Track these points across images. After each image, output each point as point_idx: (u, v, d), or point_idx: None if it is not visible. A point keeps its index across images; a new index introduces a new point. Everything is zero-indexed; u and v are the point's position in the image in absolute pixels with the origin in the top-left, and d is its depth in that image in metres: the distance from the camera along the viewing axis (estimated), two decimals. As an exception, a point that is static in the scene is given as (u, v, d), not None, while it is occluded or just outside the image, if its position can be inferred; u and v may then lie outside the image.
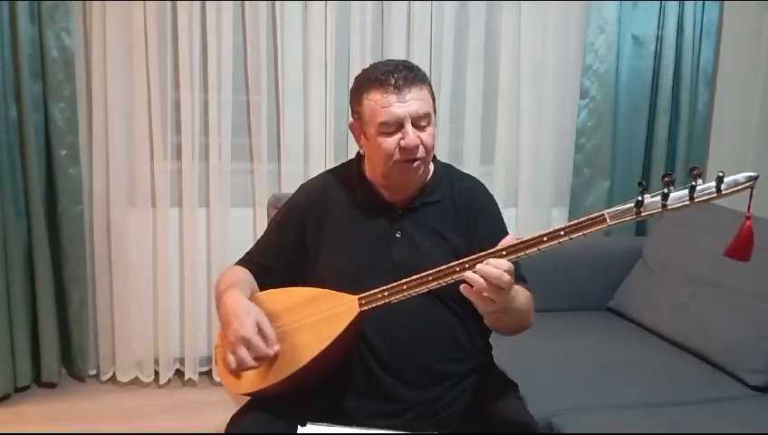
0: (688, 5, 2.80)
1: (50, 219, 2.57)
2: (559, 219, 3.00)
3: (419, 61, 2.69)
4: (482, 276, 1.20)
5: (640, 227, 2.93)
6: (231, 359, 1.33)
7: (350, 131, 1.55)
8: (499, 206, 1.62)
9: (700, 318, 2.07)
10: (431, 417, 1.45)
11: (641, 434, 1.61)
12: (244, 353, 1.32)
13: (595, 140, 2.87)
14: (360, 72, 1.50)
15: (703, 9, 2.83)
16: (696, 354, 2.05)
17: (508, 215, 1.62)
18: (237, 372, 1.35)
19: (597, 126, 2.86)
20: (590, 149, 2.89)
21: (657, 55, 2.86)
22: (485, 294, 1.20)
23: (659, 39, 2.84)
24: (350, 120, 1.52)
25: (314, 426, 1.29)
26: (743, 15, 2.94)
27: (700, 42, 2.86)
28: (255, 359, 1.33)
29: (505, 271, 1.20)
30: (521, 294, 1.39)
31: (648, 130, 2.92)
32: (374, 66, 1.47)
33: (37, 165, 2.48)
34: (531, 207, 2.92)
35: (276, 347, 1.34)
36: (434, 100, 1.47)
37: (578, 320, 2.40)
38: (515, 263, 1.24)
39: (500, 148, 2.89)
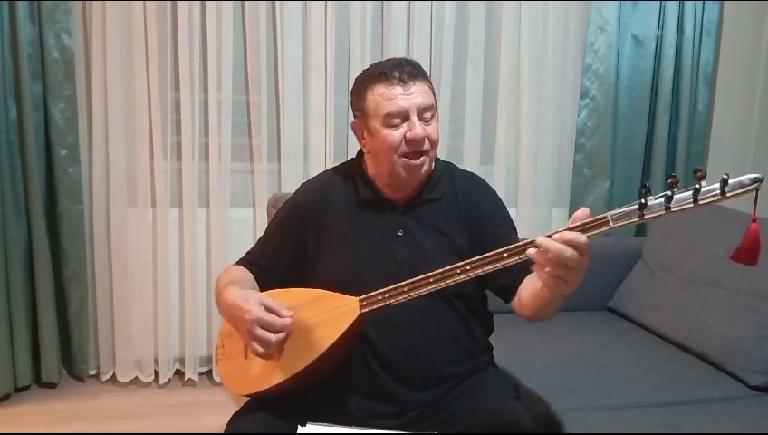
0: (688, 5, 2.81)
1: (50, 219, 2.57)
2: (559, 219, 3.00)
3: (419, 61, 2.68)
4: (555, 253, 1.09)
5: (641, 227, 2.93)
6: (255, 345, 1.33)
7: (351, 132, 1.54)
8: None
9: (700, 318, 2.07)
10: (432, 417, 1.45)
11: (641, 434, 1.61)
12: (263, 333, 1.32)
13: (595, 140, 2.88)
14: (360, 71, 1.49)
15: (703, 9, 2.83)
16: (695, 354, 2.05)
17: (508, 215, 1.62)
18: (267, 354, 1.35)
19: (597, 126, 2.86)
20: (590, 149, 2.89)
21: (657, 55, 2.86)
22: (559, 273, 1.12)
23: (659, 39, 2.85)
24: (352, 119, 1.51)
25: (314, 426, 1.29)
26: (743, 15, 2.94)
27: (700, 42, 2.87)
28: (276, 333, 1.32)
29: (579, 244, 1.09)
30: None
31: (648, 130, 2.92)
32: (376, 64, 1.47)
33: (37, 165, 2.48)
34: (531, 208, 2.93)
35: (289, 315, 1.34)
36: (434, 96, 1.47)
37: (578, 320, 2.39)
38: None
39: (500, 148, 2.89)
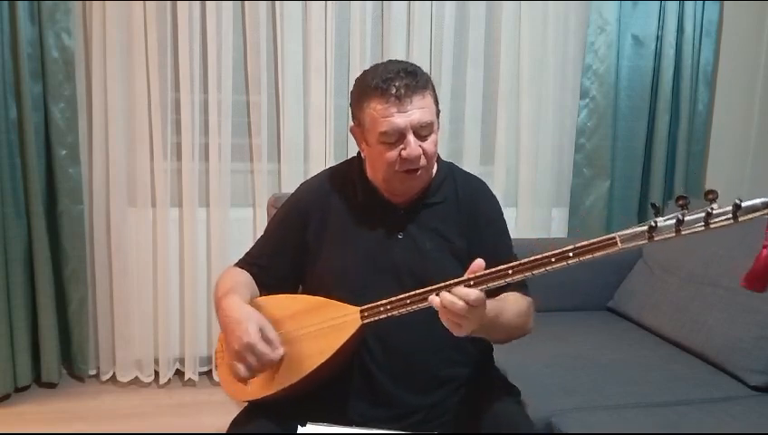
0: (688, 5, 2.81)
1: (50, 219, 2.57)
2: (559, 219, 3.00)
3: (419, 61, 2.68)
4: (443, 305, 1.18)
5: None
6: (239, 368, 1.31)
7: (350, 134, 1.53)
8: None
9: (700, 318, 2.07)
10: (432, 422, 1.44)
11: (641, 434, 1.61)
12: (251, 360, 1.30)
13: (595, 140, 2.88)
14: (360, 72, 1.46)
15: (703, 9, 2.84)
16: (695, 354, 2.05)
17: (508, 215, 1.62)
18: (247, 379, 1.33)
19: (597, 126, 2.86)
20: (590, 149, 2.89)
21: (657, 55, 2.86)
22: (450, 318, 1.19)
23: (659, 39, 2.85)
24: (351, 124, 1.49)
25: (314, 426, 1.29)
26: (743, 15, 2.94)
27: (700, 42, 2.87)
28: (263, 364, 1.31)
29: (470, 301, 1.16)
30: (509, 310, 1.35)
31: (648, 130, 2.92)
32: (374, 70, 1.41)
33: (37, 165, 2.48)
34: (531, 208, 2.92)
35: (281, 350, 1.32)
36: (437, 104, 1.43)
37: (578, 320, 2.40)
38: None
39: (500, 148, 2.89)
